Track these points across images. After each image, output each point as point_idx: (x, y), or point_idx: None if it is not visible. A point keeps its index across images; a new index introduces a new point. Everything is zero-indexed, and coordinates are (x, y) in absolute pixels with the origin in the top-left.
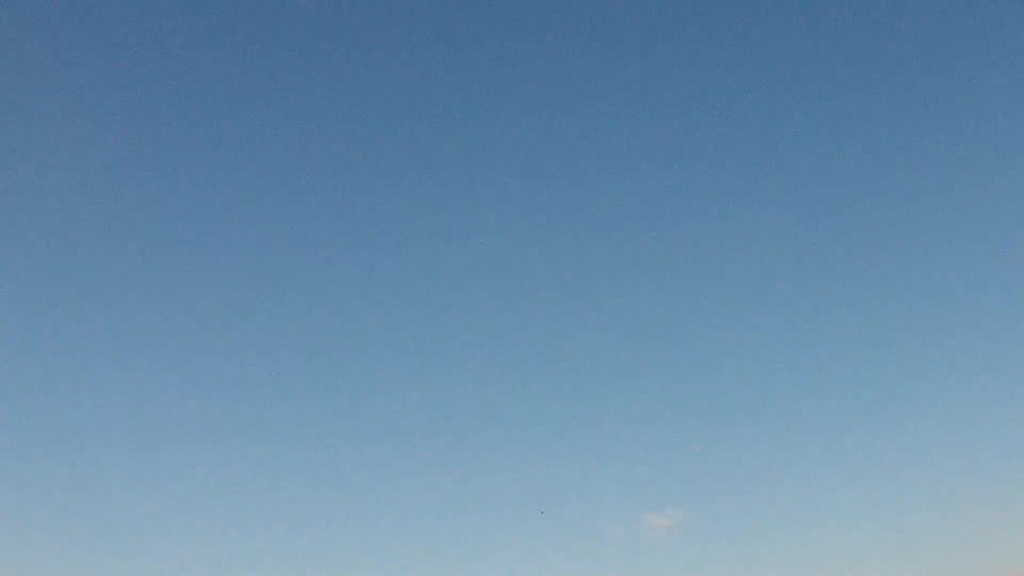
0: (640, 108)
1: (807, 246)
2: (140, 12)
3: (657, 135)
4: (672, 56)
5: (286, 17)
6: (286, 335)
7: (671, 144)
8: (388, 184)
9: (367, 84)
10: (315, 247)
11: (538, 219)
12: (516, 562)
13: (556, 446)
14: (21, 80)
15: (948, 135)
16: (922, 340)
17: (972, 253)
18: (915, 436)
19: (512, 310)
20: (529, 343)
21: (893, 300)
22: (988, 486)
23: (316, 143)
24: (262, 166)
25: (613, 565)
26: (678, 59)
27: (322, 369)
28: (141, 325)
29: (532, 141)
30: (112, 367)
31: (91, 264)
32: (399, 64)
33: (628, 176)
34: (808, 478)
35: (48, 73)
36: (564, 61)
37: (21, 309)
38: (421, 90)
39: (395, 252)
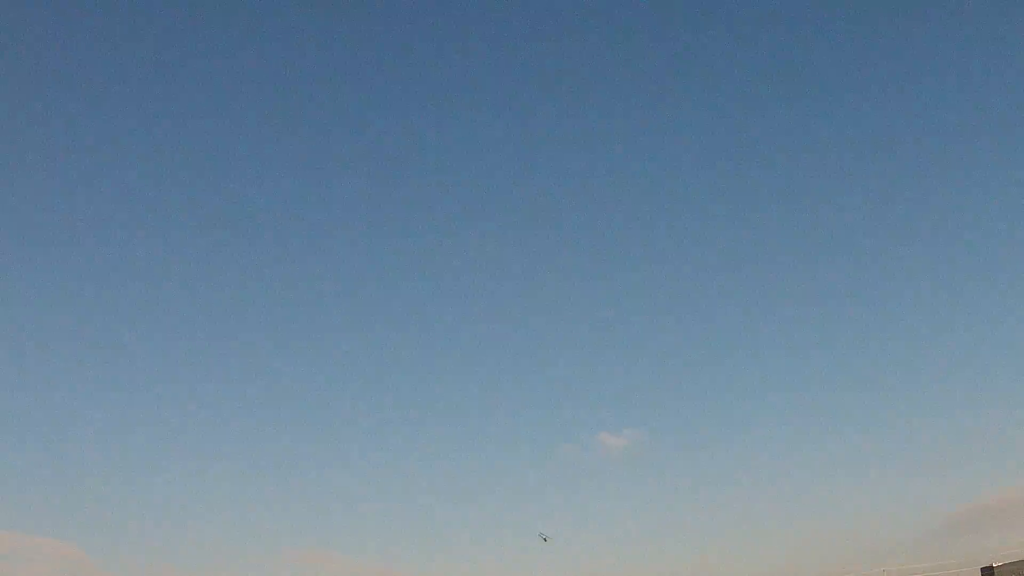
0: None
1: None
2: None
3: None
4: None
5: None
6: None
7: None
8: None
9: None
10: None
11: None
12: (474, 481)
13: (511, 367)
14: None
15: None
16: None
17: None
18: (859, 365)
19: (476, 247)
20: (488, 271)
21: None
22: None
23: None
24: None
25: (569, 483)
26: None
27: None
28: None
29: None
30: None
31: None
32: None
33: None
34: (761, 400)
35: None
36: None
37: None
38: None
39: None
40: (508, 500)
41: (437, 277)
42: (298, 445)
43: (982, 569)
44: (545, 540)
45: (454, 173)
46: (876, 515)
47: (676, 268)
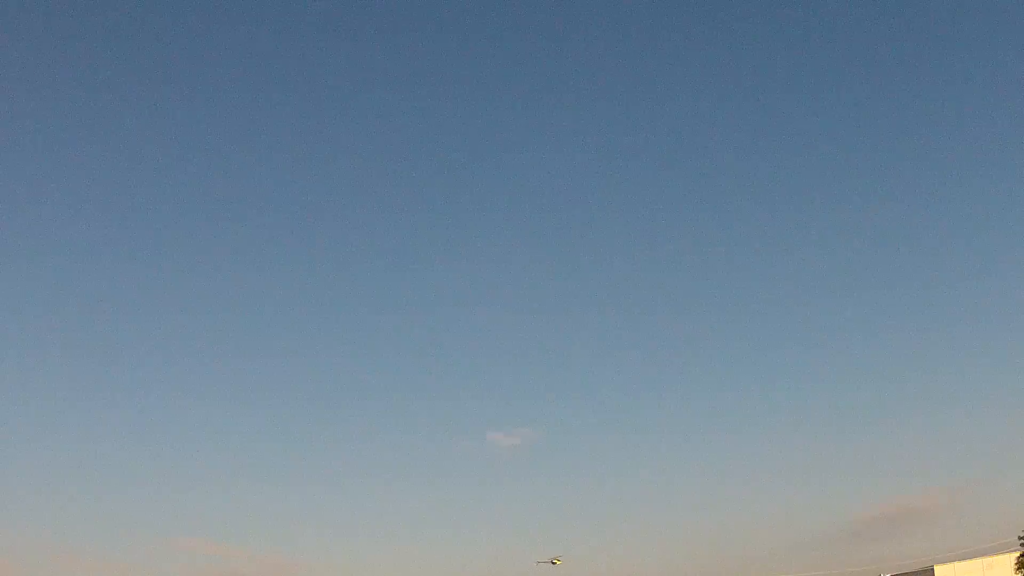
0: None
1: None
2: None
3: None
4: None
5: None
6: None
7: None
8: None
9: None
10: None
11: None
12: (367, 478)
13: (405, 363)
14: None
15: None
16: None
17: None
18: (752, 363)
19: (366, 241)
20: (382, 266)
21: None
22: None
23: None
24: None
25: (461, 481)
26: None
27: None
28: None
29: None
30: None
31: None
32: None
33: None
34: (658, 402)
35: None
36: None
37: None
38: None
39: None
40: (399, 495)
41: (334, 269)
42: (191, 437)
43: None
44: (554, 563)
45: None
46: (774, 520)
47: (566, 270)
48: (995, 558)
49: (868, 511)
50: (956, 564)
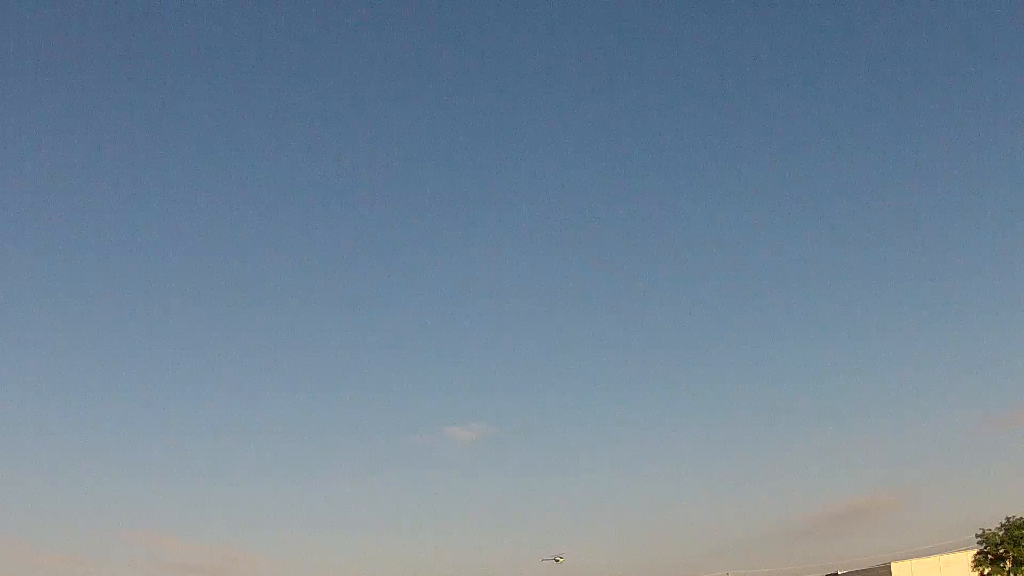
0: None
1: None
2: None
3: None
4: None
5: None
6: None
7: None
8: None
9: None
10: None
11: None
12: (320, 471)
13: (360, 358)
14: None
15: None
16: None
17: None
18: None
19: (329, 238)
20: (341, 262)
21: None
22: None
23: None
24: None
25: (416, 474)
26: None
27: None
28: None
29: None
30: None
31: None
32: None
33: None
34: (612, 397)
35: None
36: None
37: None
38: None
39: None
40: (353, 488)
41: (295, 267)
42: (144, 429)
43: None
44: (557, 561)
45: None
46: (730, 516)
47: (524, 268)
48: (952, 556)
49: (824, 508)
50: (913, 561)
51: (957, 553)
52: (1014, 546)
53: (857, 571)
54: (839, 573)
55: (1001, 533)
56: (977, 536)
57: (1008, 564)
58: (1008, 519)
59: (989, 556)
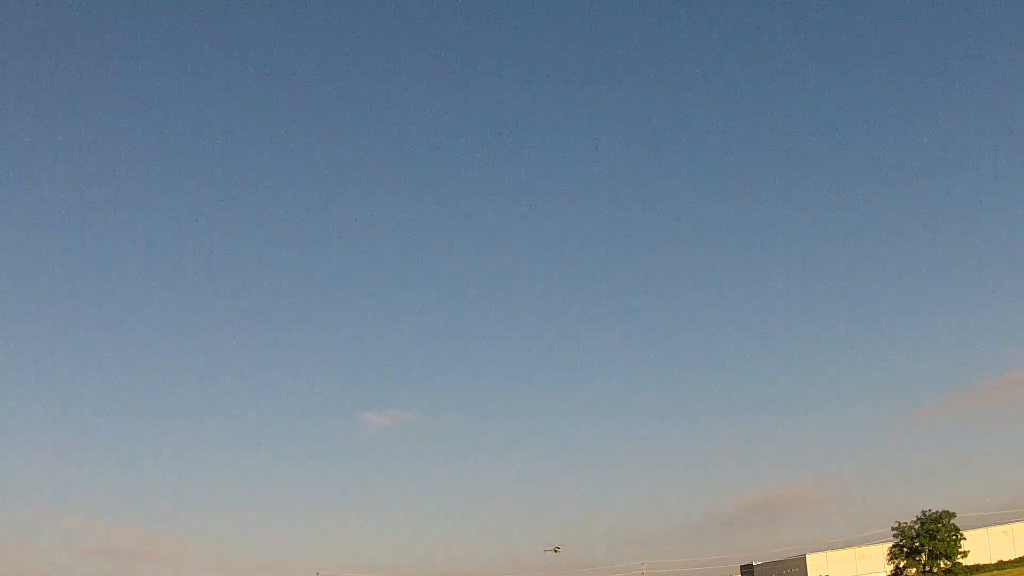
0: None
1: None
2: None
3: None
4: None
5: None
6: None
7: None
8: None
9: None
10: None
11: None
12: (239, 456)
13: (278, 345)
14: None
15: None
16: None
17: None
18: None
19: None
20: (257, 246)
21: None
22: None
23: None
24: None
25: (333, 460)
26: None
27: None
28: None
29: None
30: None
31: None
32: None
33: None
34: (527, 387)
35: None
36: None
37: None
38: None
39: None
40: (271, 473)
41: (206, 251)
42: (66, 413)
43: (742, 567)
44: (556, 551)
45: None
46: (642, 507)
47: (439, 254)
48: (867, 548)
49: (742, 500)
50: (828, 553)
51: (873, 546)
52: (930, 540)
53: (773, 562)
54: (755, 564)
55: (917, 527)
56: (893, 529)
57: (924, 557)
58: (924, 513)
59: (905, 549)
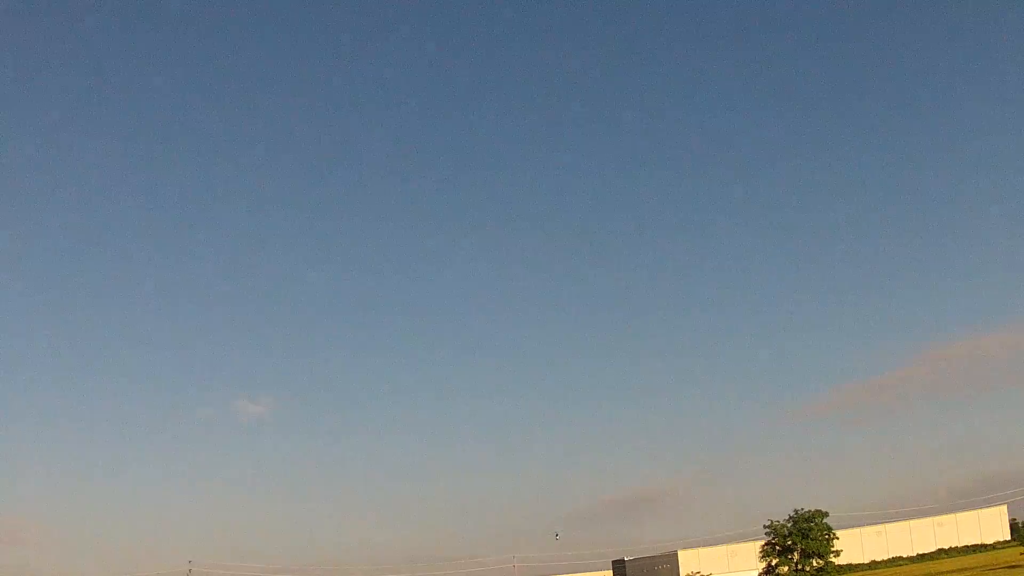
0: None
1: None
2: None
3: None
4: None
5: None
6: None
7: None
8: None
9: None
10: None
11: None
12: (106, 440)
13: (146, 329)
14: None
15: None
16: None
17: None
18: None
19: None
20: (124, 238)
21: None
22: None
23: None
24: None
25: (203, 446)
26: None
27: None
28: None
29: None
30: None
31: None
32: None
33: None
34: (396, 373)
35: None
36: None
37: None
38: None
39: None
40: (138, 459)
41: (74, 235)
42: None
43: (613, 562)
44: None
45: None
46: (511, 502)
47: (307, 238)
48: (739, 546)
49: (613, 495)
50: (700, 550)
51: (745, 543)
52: (802, 538)
53: (644, 558)
54: (627, 560)
55: (789, 525)
56: (765, 527)
57: (796, 556)
58: (796, 511)
59: (777, 547)
